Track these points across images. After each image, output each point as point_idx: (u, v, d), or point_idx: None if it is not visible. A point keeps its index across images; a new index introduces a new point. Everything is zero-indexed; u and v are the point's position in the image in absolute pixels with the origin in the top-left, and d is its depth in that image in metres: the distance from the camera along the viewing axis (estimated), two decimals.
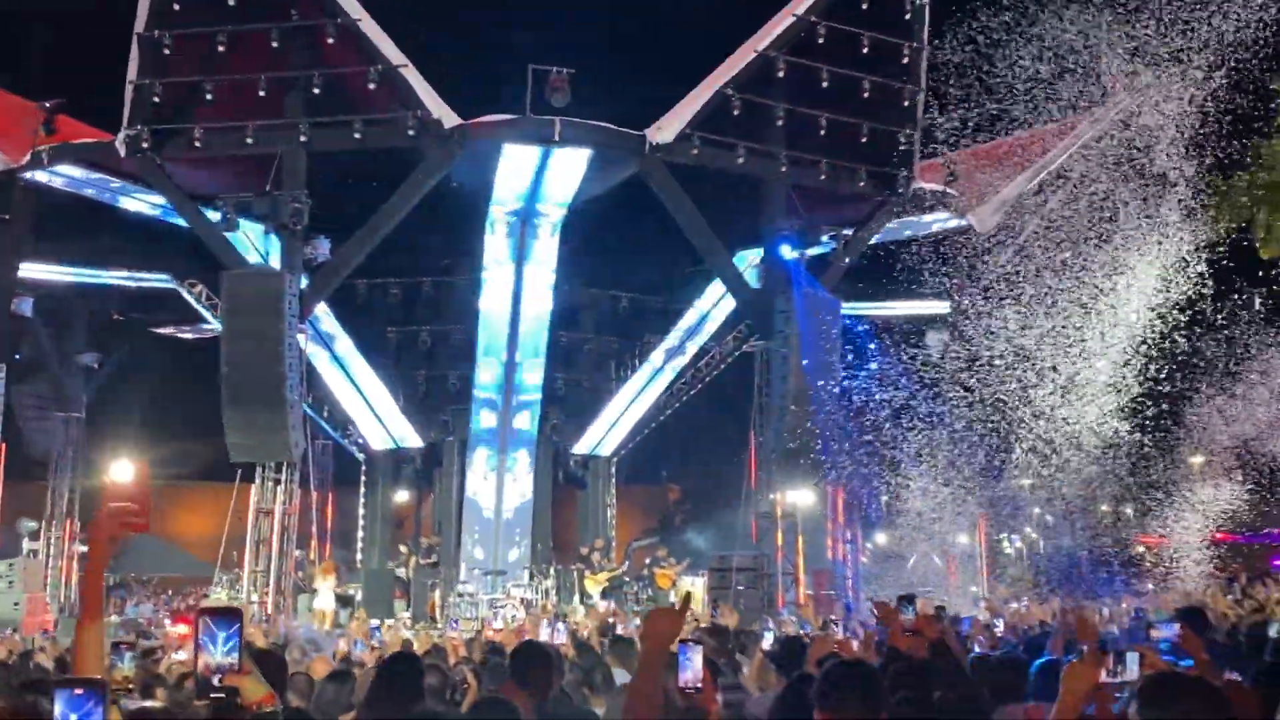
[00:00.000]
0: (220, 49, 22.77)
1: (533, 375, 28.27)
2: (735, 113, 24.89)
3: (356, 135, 23.94)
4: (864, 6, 24.89)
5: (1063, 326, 29.08)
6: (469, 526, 28.29)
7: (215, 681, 3.03)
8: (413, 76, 24.02)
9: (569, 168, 25.18)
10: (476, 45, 34.51)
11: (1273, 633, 8.61)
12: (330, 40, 23.35)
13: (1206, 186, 26.35)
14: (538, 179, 25.33)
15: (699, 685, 4.19)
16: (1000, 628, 15.22)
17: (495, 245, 27.05)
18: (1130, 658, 4.24)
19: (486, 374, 28.17)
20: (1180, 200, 27.20)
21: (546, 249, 27.12)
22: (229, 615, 3.09)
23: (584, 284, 31.03)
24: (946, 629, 8.39)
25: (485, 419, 28.43)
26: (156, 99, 23.32)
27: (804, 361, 24.97)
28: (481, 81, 29.98)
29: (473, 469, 28.71)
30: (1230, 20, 24.96)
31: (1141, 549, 34.02)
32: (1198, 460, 33.62)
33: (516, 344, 27.58)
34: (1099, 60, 28.58)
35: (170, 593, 34.66)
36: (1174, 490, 31.91)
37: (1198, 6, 25.52)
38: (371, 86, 23.58)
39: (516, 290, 27.11)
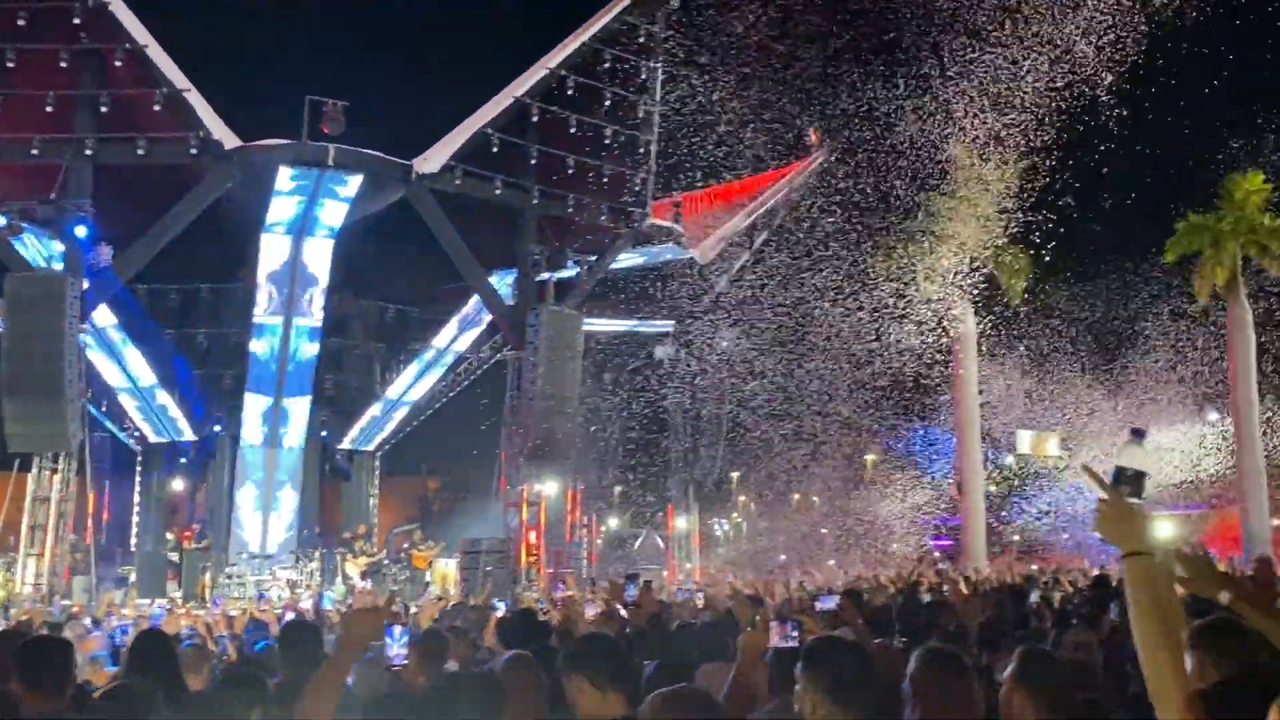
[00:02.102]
0: (9, 65, 21.77)
1: (299, 404, 27.74)
2: (494, 150, 25.46)
3: (140, 151, 23.27)
4: (607, 66, 25.83)
5: (770, 342, 30.91)
6: (234, 553, 26.89)
7: None
8: (195, 100, 23.55)
9: (341, 191, 25.12)
10: (261, 74, 33.86)
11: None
12: (118, 63, 22.68)
13: (880, 236, 28.68)
14: (311, 201, 25.16)
15: (404, 662, 4.43)
16: (701, 601, 16.05)
17: (263, 300, 26.60)
18: (798, 625, 4.48)
19: (254, 407, 27.42)
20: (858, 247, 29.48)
21: (315, 305, 26.95)
22: None
23: (354, 295, 31.13)
24: (652, 601, 8.97)
25: (255, 421, 27.69)
26: None
27: (549, 370, 25.56)
28: (263, 108, 29.54)
29: (241, 504, 27.54)
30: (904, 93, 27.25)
31: (825, 531, 36.17)
32: (872, 458, 36.17)
33: (284, 384, 27.06)
34: (804, 121, 30.66)
35: None
36: (853, 481, 34.24)
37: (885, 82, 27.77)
38: (157, 107, 23.02)
39: (284, 339, 26.76)
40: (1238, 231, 29.02)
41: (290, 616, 11.47)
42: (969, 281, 28.73)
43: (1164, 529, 28.52)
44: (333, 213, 25.75)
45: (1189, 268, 29.96)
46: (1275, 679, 3.15)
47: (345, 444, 31.48)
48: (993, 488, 33.19)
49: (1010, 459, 35.31)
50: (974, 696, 3.16)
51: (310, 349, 27.33)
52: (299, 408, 27.69)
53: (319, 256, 26.65)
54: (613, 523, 39.90)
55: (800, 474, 33.69)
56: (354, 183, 25.00)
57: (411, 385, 31.43)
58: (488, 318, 29.20)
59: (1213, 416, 32.08)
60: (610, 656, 3.77)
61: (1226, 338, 29.26)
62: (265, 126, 25.17)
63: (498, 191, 25.91)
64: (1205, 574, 3.32)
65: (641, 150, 27.02)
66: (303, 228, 25.95)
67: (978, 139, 27.67)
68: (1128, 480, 2.64)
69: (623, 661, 3.82)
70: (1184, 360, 31.46)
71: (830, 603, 6.77)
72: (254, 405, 27.34)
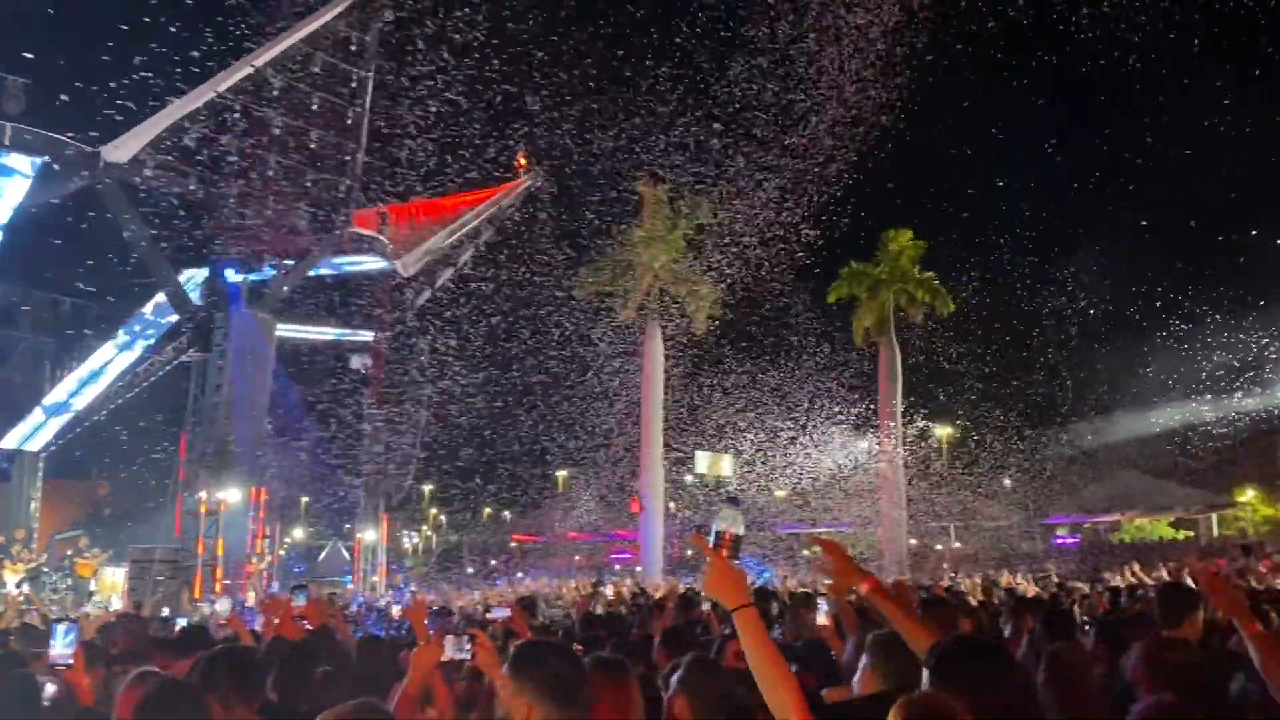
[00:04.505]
0: None
1: None
2: (190, 143, 23.99)
3: None
4: (316, 70, 24.93)
5: (470, 357, 30.66)
6: None
7: None
8: None
9: (16, 174, 22.80)
10: None
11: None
12: None
13: (578, 261, 29.13)
14: None
15: (69, 662, 4.26)
16: (397, 612, 15.60)
17: None
18: (471, 638, 4.13)
19: None
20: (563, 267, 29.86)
21: None
22: None
23: (25, 283, 28.26)
24: (335, 611, 8.54)
25: None
26: None
27: (236, 374, 24.28)
28: None
29: None
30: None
31: (515, 544, 36.25)
32: (564, 474, 36.57)
33: None
34: (513, 143, 30.77)
35: None
36: (544, 498, 34.48)
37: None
38: None
39: None
40: (891, 280, 31.59)
41: None
42: (657, 307, 29.66)
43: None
44: (6, 197, 23.33)
45: (850, 310, 32.28)
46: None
47: (6, 443, 28.54)
48: (671, 504, 34.27)
49: (690, 478, 36.67)
50: (634, 700, 3.22)
51: None
52: None
53: None
54: (298, 534, 38.28)
55: (493, 489, 33.58)
56: (32, 166, 22.78)
57: (85, 384, 28.86)
58: (173, 317, 27.31)
59: (863, 445, 34.60)
60: (233, 671, 3.71)
61: (878, 374, 31.67)
62: None
63: (192, 187, 24.46)
64: (844, 564, 3.56)
65: (347, 157, 26.22)
66: None
67: (666, 180, 28.77)
68: (725, 544, 2.74)
69: (247, 676, 3.77)
70: (843, 392, 33.78)
71: (502, 613, 6.68)
72: None
